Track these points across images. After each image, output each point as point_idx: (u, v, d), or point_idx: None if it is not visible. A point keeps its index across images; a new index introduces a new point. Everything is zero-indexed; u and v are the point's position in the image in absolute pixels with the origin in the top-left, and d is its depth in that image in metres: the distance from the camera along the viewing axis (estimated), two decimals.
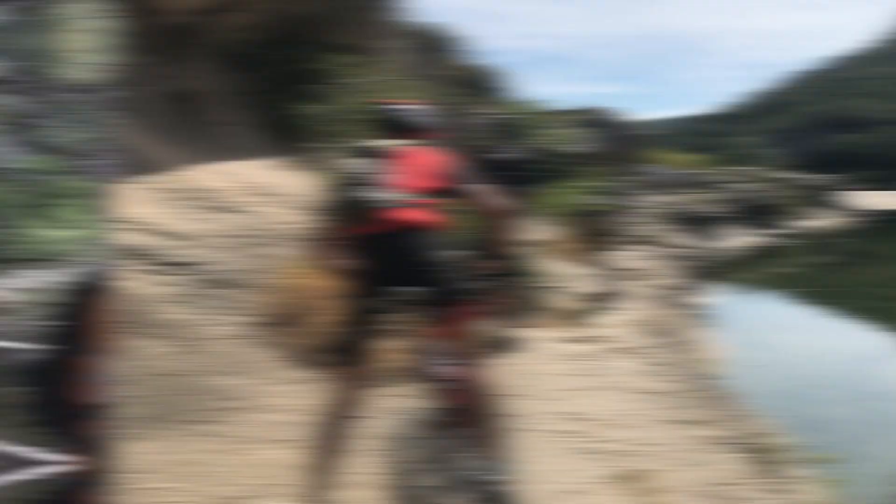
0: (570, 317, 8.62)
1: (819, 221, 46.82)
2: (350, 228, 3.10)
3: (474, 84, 31.50)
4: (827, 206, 50.57)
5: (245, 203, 6.90)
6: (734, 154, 63.22)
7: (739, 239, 35.36)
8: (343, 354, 3.05)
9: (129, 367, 4.07)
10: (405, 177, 3.10)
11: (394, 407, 3.12)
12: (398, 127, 3.41)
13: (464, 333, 3.07)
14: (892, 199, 79.38)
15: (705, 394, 6.08)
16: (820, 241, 39.07)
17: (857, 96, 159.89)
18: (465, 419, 2.92)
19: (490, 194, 3.20)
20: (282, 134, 9.46)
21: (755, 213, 39.41)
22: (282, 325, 5.09)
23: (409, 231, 3.04)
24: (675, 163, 44.94)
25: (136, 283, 4.86)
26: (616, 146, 27.26)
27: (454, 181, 3.21)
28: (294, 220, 6.97)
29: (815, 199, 49.04)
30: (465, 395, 2.91)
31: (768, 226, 39.52)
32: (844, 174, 68.15)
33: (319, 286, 5.23)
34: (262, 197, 7.25)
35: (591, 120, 27.66)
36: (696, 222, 32.48)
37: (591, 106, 27.70)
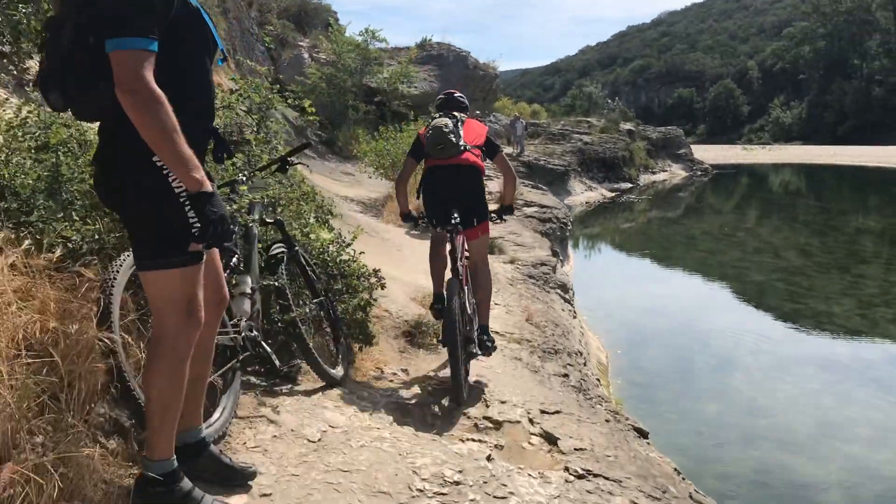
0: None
1: (661, 174, 46.41)
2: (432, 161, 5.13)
3: (302, 20, 27.44)
4: (667, 159, 50.32)
5: None
6: (575, 105, 62.23)
7: (585, 194, 33.66)
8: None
9: None
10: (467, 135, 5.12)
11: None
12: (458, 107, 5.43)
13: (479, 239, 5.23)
14: (723, 152, 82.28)
15: None
16: (661, 195, 38.31)
17: (689, 51, 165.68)
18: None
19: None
20: None
21: (600, 166, 37.98)
22: None
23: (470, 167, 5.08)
24: (520, 112, 43.01)
25: None
26: (461, 87, 24.14)
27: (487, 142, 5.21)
28: None
29: (656, 151, 48.55)
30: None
31: (612, 179, 38.23)
32: (680, 127, 68.99)
33: None
34: None
35: (434, 57, 24.39)
36: (546, 175, 30.29)
37: (432, 41, 24.31)
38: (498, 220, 5.33)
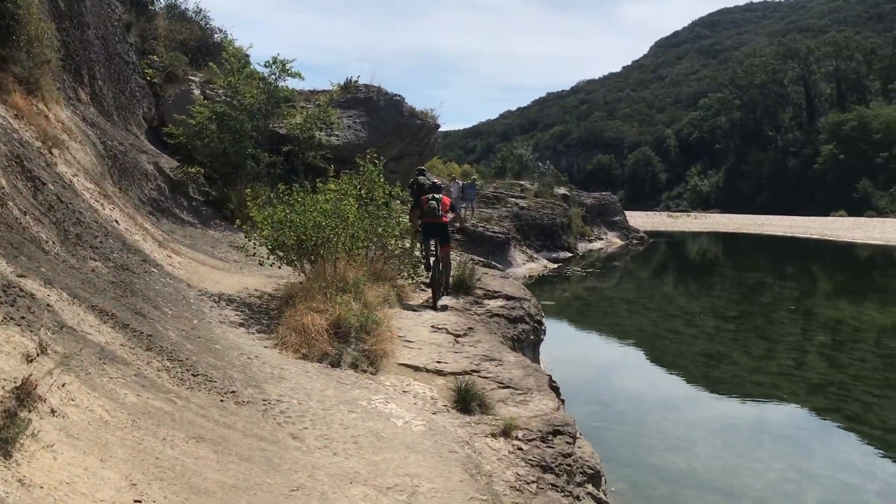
0: None
1: (597, 243, 43.25)
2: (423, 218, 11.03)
3: (199, 56, 22.75)
4: (602, 226, 47.26)
5: None
6: (506, 167, 59.05)
7: (527, 265, 29.66)
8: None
9: None
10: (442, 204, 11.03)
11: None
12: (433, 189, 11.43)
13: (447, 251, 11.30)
14: (649, 219, 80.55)
15: None
16: (605, 265, 34.77)
17: (608, 118, 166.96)
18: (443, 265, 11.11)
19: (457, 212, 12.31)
20: None
21: (537, 233, 34.19)
22: None
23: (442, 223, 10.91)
24: (452, 173, 39.23)
25: None
26: (395, 137, 19.61)
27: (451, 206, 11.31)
28: None
29: (591, 218, 45.39)
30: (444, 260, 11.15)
31: (550, 247, 34.50)
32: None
33: None
34: None
35: (361, 101, 19.89)
36: (485, 244, 26.07)
37: (358, 81, 19.83)
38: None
